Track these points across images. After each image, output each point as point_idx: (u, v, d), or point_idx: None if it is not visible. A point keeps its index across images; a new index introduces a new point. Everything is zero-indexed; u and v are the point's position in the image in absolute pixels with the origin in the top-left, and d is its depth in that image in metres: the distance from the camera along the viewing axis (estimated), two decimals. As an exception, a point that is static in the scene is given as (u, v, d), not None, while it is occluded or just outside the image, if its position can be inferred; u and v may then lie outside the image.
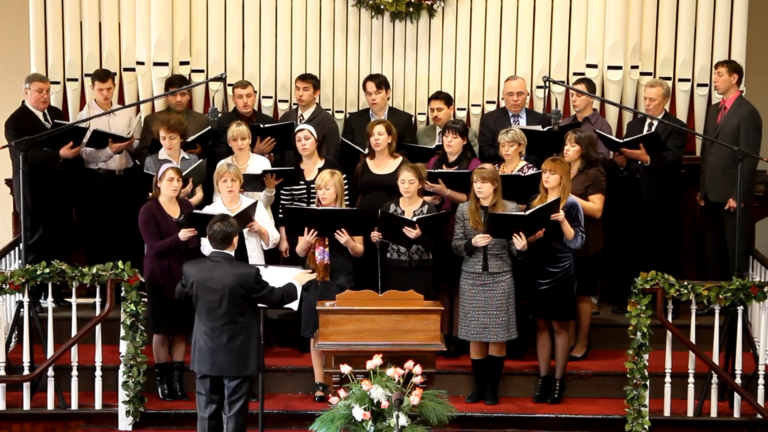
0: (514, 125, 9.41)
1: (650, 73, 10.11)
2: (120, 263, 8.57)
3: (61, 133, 9.24)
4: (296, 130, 9.19)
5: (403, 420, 7.31)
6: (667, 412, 8.67)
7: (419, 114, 10.12)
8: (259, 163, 9.11)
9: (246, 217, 8.50)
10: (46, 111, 9.56)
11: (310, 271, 8.20)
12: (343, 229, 8.50)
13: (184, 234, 8.44)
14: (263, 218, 8.77)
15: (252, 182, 8.95)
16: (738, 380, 8.61)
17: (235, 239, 7.76)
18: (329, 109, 10.05)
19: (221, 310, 7.60)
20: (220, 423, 7.83)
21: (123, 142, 9.53)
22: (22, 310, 8.78)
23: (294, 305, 7.95)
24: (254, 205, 8.62)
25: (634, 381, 8.51)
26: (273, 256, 9.05)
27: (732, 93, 9.54)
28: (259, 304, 7.72)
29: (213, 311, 7.61)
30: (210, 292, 7.60)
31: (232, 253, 7.73)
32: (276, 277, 7.86)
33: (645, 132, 9.50)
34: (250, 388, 7.94)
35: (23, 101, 9.57)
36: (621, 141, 9.46)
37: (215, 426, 7.83)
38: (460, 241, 8.59)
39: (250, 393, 7.92)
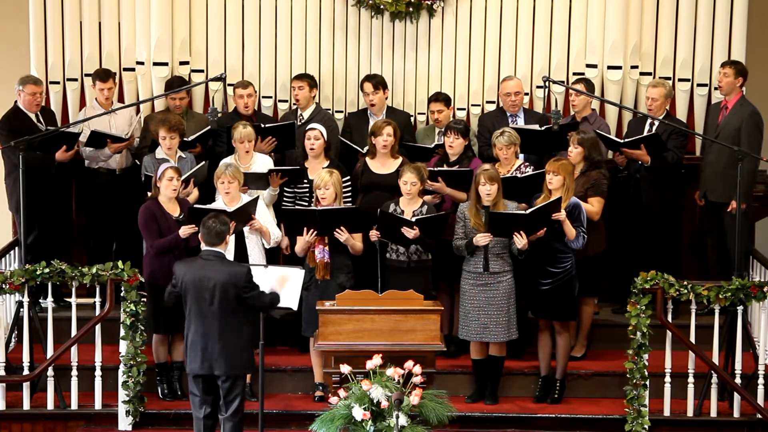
0: (512, 124, 9.42)
1: (650, 73, 10.11)
2: (120, 263, 8.57)
3: (54, 136, 9.24)
4: (307, 128, 9.21)
5: (403, 420, 7.32)
6: (666, 412, 8.68)
7: (419, 114, 10.13)
8: (262, 162, 9.12)
9: (246, 213, 8.50)
10: (38, 113, 9.56)
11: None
12: (342, 228, 8.51)
13: (184, 231, 8.44)
14: (265, 216, 8.78)
15: (256, 181, 8.96)
16: (738, 380, 8.61)
17: (228, 238, 7.76)
18: (329, 109, 10.05)
19: (213, 308, 7.58)
20: (215, 423, 7.83)
21: (121, 143, 9.54)
22: (21, 310, 8.79)
23: (294, 305, 7.95)
24: (255, 201, 8.61)
25: (634, 381, 8.51)
26: (273, 256, 9.05)
27: (735, 94, 9.55)
28: (246, 307, 7.69)
29: (204, 310, 7.60)
30: (202, 290, 7.58)
31: (224, 252, 7.72)
32: (276, 277, 7.85)
33: (646, 132, 9.51)
34: (245, 388, 7.94)
35: (15, 102, 9.57)
36: (622, 141, 9.46)
37: (211, 426, 7.82)
38: (461, 240, 8.60)
39: (245, 393, 7.93)
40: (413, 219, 8.57)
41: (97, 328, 8.66)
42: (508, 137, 8.95)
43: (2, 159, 9.64)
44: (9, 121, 9.45)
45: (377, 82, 9.67)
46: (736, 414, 8.67)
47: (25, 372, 8.66)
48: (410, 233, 8.52)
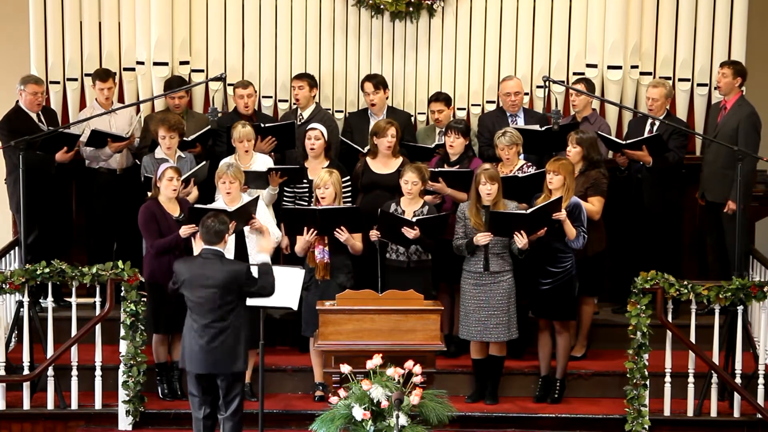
0: (512, 124, 9.42)
1: (650, 73, 10.11)
2: (120, 263, 8.57)
3: (55, 137, 9.24)
4: (307, 128, 9.21)
5: (403, 420, 7.32)
6: (667, 412, 8.68)
7: (419, 114, 10.13)
8: (262, 162, 9.13)
9: (246, 213, 8.50)
10: (40, 112, 9.56)
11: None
12: (342, 227, 8.51)
13: (184, 231, 8.43)
14: (264, 216, 8.77)
15: (256, 180, 8.96)
16: (738, 380, 8.61)
17: (227, 237, 7.77)
18: (329, 109, 10.05)
19: (212, 307, 7.59)
20: (215, 423, 7.84)
21: (122, 142, 9.54)
22: (22, 309, 8.79)
23: (294, 304, 7.96)
24: (255, 200, 8.61)
25: (634, 381, 8.51)
26: (273, 256, 9.03)
27: (733, 94, 9.55)
28: (252, 300, 7.69)
29: (203, 308, 7.61)
30: (201, 289, 7.60)
31: (224, 251, 7.73)
32: (276, 277, 7.85)
33: (647, 132, 9.51)
34: (244, 388, 7.95)
35: (17, 101, 9.57)
36: (624, 142, 9.46)
37: (211, 426, 7.84)
38: (462, 240, 8.60)
39: (244, 392, 7.93)
40: (414, 219, 8.57)
41: (97, 327, 8.66)
42: (509, 137, 8.95)
43: (4, 159, 9.63)
44: (10, 121, 9.44)
45: (378, 81, 9.67)
46: (736, 414, 8.66)
47: (25, 372, 8.66)
48: (411, 233, 8.51)
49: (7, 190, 9.67)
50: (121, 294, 8.57)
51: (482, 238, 8.46)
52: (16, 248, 9.36)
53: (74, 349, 8.68)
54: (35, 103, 9.49)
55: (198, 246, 7.94)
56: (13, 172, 9.34)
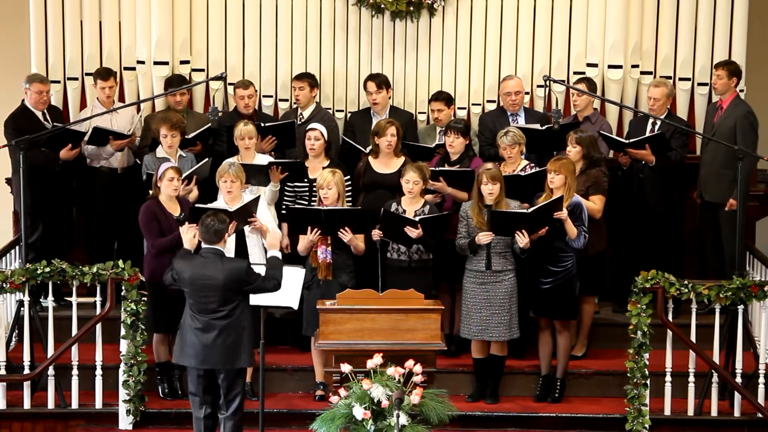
0: (513, 123, 9.42)
1: (651, 73, 10.11)
2: (120, 262, 8.57)
3: (60, 134, 9.24)
4: (307, 128, 9.21)
5: (404, 419, 7.32)
6: (667, 411, 8.68)
7: (420, 113, 10.13)
8: (264, 162, 9.11)
9: (247, 212, 8.50)
10: (45, 111, 9.56)
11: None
12: (346, 228, 8.51)
13: (186, 230, 8.41)
14: (265, 216, 8.77)
15: (257, 175, 8.96)
16: (738, 379, 8.61)
17: (227, 236, 7.78)
18: (330, 108, 10.06)
19: (213, 305, 7.60)
20: (216, 423, 7.84)
21: (124, 140, 9.54)
22: (22, 309, 8.78)
23: (294, 304, 7.96)
24: (256, 200, 8.61)
25: (635, 380, 8.51)
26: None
27: (729, 94, 9.55)
28: (255, 297, 7.70)
29: (205, 307, 7.62)
30: (202, 288, 7.60)
31: (223, 250, 7.74)
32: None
33: (649, 131, 9.51)
34: (245, 387, 7.95)
35: (23, 100, 9.57)
36: (626, 142, 9.46)
37: (211, 426, 7.85)
38: (464, 239, 8.60)
39: (245, 392, 7.93)
40: (417, 219, 8.57)
41: (98, 327, 8.66)
42: (512, 137, 8.94)
43: (9, 158, 9.61)
44: (16, 120, 9.44)
45: (381, 81, 9.67)
46: (736, 413, 8.67)
47: (26, 371, 8.66)
48: (413, 233, 8.51)
49: (13, 189, 9.67)
50: (122, 293, 8.57)
51: (484, 238, 8.47)
52: (17, 247, 9.36)
53: (75, 349, 8.68)
54: (40, 101, 9.50)
55: (187, 241, 7.91)
56: (18, 170, 9.33)
